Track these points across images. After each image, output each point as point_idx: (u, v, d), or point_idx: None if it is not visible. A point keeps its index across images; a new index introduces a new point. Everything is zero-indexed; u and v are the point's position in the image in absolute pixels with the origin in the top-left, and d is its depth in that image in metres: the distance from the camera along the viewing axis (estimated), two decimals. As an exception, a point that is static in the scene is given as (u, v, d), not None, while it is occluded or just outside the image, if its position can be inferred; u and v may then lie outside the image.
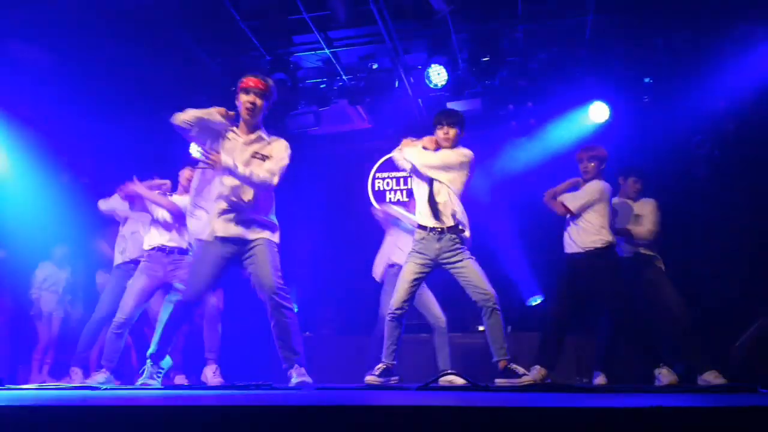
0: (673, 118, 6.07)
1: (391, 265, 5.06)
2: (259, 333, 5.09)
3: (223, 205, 3.40)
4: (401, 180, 7.41)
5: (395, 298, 3.77)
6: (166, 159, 5.39)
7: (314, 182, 7.14)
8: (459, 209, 3.76)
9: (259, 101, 3.41)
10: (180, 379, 4.92)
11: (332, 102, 6.54)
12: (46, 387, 3.57)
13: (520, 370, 3.66)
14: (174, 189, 4.81)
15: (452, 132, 3.83)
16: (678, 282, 4.54)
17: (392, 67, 6.20)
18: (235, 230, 3.40)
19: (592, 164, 4.32)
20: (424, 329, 5.40)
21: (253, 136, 3.48)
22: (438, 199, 3.75)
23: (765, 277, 5.13)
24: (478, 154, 3.96)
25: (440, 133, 3.86)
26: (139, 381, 3.56)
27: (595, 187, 4.27)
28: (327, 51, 5.95)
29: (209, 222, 3.45)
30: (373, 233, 5.62)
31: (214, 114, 3.39)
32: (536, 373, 4.11)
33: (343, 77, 6.35)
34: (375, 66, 6.28)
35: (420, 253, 3.78)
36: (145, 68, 5.82)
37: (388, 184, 7.48)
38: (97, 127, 6.43)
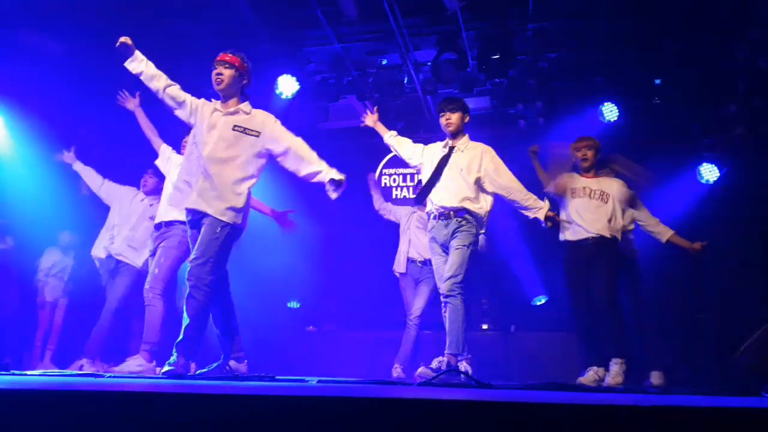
0: (682, 120, 6.03)
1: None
2: (258, 326, 5.09)
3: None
4: (408, 176, 7.40)
5: None
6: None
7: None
8: None
9: (225, 71, 3.52)
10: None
11: (341, 97, 6.52)
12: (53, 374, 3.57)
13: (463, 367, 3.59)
14: None
15: (454, 117, 3.91)
16: (689, 284, 4.49)
17: (402, 64, 6.18)
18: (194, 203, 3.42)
19: (591, 152, 4.42)
20: (433, 326, 5.41)
21: (232, 109, 3.56)
22: None
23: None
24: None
25: (443, 121, 3.98)
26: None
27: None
28: (337, 46, 5.93)
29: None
30: (378, 229, 5.61)
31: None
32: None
33: (353, 72, 6.34)
34: (384, 62, 6.26)
35: None
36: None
37: (394, 180, 7.47)
38: (105, 115, 6.45)
